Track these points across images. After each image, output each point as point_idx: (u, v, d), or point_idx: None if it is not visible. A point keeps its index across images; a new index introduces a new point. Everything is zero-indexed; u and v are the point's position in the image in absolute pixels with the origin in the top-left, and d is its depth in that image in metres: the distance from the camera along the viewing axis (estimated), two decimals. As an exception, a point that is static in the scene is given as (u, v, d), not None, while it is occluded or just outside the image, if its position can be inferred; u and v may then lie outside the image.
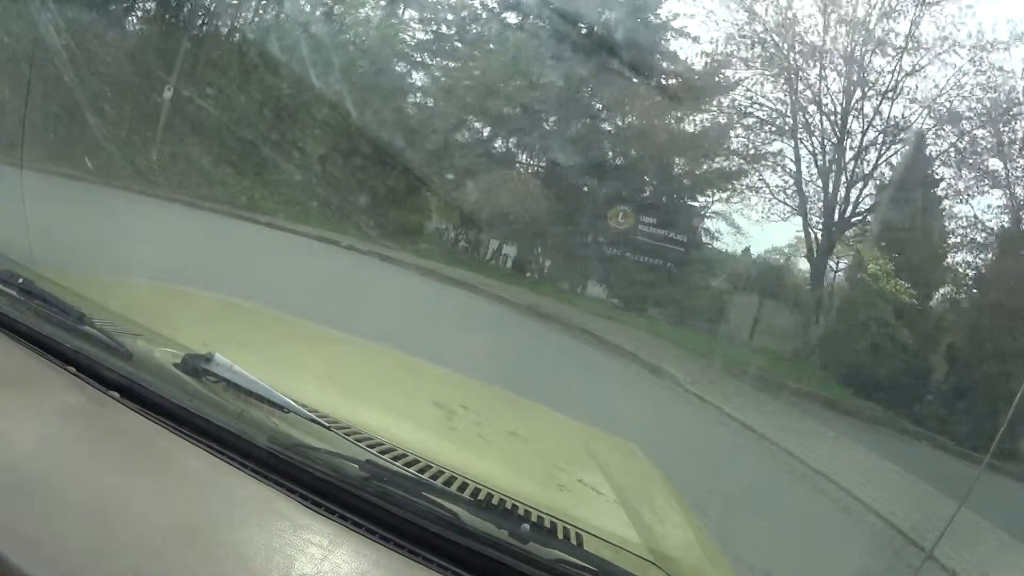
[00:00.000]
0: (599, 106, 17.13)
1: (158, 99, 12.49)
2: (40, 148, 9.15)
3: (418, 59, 17.78)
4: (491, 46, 16.75)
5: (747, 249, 16.90)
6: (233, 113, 13.34)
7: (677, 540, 1.31)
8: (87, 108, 9.16)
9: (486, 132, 17.88)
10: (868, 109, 14.71)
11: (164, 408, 0.97)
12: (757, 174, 16.46)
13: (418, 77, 18.11)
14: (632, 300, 15.87)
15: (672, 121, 16.73)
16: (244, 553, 0.77)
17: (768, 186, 16.26)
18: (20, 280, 1.14)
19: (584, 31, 15.19)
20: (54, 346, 1.05)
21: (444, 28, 17.62)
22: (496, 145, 17.93)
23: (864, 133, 14.79)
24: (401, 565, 0.82)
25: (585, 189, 16.96)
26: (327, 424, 0.99)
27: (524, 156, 17.94)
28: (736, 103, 16.11)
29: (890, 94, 14.40)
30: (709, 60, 16.14)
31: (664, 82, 16.41)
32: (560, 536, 0.95)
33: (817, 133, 15.34)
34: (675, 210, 16.66)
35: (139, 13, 14.11)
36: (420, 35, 17.80)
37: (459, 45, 17.44)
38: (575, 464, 1.55)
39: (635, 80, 15.80)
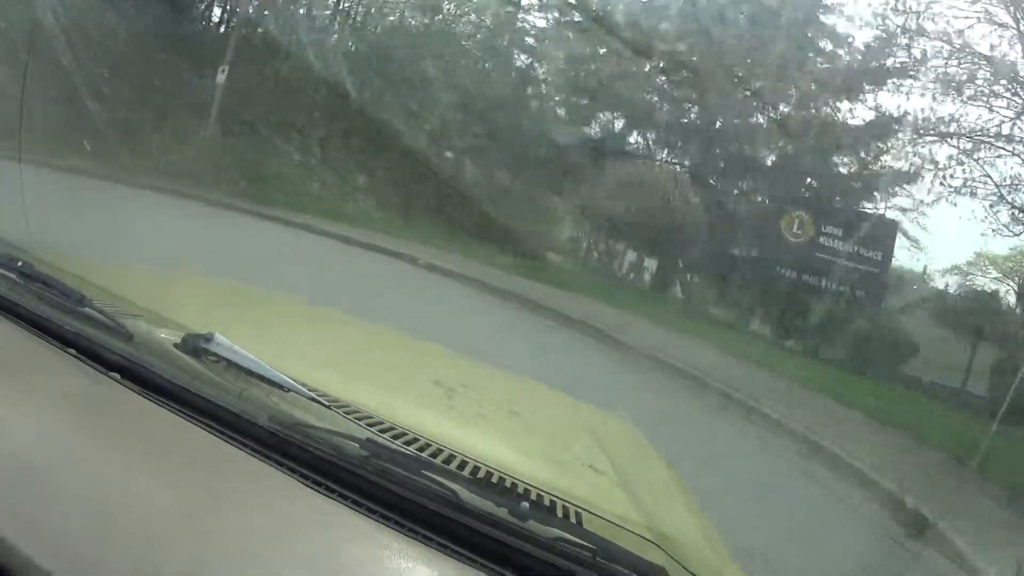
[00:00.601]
0: (753, 89, 13.25)
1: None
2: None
3: (537, 47, 15.52)
4: (619, 22, 13.34)
5: (962, 269, 12.87)
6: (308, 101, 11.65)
7: (676, 520, 1.32)
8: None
9: (619, 125, 15.30)
10: None
11: (165, 389, 0.97)
12: (978, 168, 11.97)
13: (540, 66, 15.59)
14: (811, 339, 11.87)
15: (856, 98, 12.83)
16: (244, 532, 0.77)
17: (995, 184, 11.69)
18: (19, 263, 1.14)
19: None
20: (54, 328, 1.05)
21: (563, 15, 15.05)
22: (631, 140, 15.21)
23: None
24: (400, 543, 0.82)
25: (736, 192, 14.13)
26: (327, 403, 1.00)
27: (664, 152, 15.02)
28: (946, 64, 11.71)
29: None
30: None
31: (844, 43, 12.72)
32: (559, 515, 0.95)
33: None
34: (862, 218, 12.82)
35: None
36: (539, 22, 15.43)
37: (583, 23, 14.43)
38: (575, 443, 1.55)
39: (801, 52, 12.58)
